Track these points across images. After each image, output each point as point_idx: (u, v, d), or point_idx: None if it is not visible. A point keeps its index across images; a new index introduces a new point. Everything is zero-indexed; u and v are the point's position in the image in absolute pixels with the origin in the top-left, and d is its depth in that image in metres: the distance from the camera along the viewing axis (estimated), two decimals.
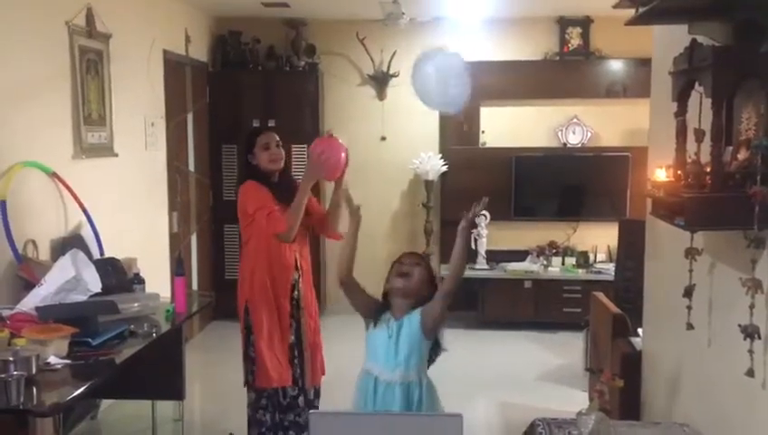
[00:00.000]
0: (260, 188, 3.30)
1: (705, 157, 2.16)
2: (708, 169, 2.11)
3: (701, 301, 2.44)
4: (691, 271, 2.38)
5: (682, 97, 2.34)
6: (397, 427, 1.78)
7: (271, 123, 6.15)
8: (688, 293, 2.40)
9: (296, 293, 3.37)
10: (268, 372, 3.25)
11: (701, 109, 2.25)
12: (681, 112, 2.33)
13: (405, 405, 2.33)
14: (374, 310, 2.54)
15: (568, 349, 5.40)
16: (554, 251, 6.21)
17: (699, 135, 2.23)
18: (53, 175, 3.67)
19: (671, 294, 2.89)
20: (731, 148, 2.23)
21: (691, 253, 2.36)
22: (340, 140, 3.46)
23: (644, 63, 4.64)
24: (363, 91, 6.51)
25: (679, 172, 2.17)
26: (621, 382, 3.11)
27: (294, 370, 3.33)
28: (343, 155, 3.34)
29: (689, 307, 2.41)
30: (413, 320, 2.45)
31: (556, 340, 5.79)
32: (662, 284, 3.09)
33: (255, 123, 6.17)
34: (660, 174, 2.25)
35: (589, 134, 6.28)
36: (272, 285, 3.29)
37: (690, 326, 2.42)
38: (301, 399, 3.37)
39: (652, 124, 3.23)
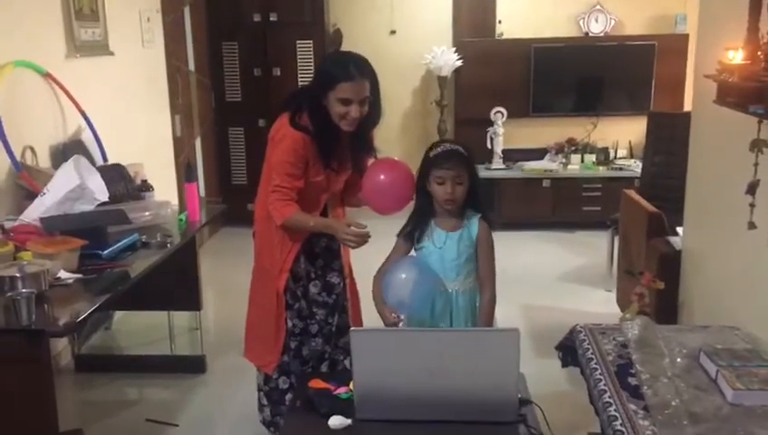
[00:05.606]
0: (300, 147, 2.44)
1: None
2: None
3: (763, 197, 2.24)
4: (756, 165, 2.17)
5: None
6: (447, 343, 1.61)
7: (273, 17, 5.80)
8: (752, 189, 2.19)
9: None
10: None
11: None
12: None
13: (471, 314, 2.19)
14: (411, 239, 2.36)
15: (588, 248, 5.27)
16: (573, 148, 5.97)
17: None
18: (47, 75, 3.39)
19: (722, 191, 2.69)
20: None
21: (758, 145, 2.14)
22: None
23: None
24: None
25: (759, 54, 1.91)
26: (662, 284, 2.97)
27: None
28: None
29: (752, 205, 2.21)
30: (472, 229, 2.35)
31: (575, 239, 5.66)
32: (710, 180, 2.87)
33: (256, 18, 5.81)
34: (736, 56, 1.98)
35: (612, 22, 5.88)
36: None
37: (753, 225, 2.23)
38: None
39: (704, 3, 2.93)
